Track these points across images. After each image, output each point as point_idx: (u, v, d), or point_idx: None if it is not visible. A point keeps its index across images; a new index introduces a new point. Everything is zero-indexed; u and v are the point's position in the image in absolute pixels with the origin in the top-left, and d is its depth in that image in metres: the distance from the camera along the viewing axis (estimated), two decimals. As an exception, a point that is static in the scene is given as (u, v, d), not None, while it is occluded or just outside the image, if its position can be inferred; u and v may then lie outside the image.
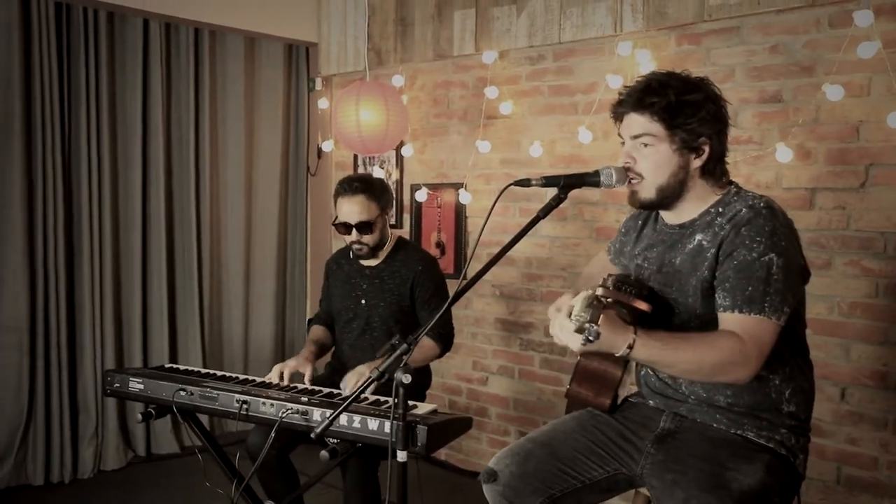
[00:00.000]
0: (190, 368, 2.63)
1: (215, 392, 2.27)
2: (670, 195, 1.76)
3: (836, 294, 2.62)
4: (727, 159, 1.80)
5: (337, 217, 2.72)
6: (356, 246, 2.71)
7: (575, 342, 1.51)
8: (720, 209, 1.75)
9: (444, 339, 2.73)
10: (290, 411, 2.14)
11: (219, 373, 2.56)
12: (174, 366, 2.67)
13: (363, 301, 2.81)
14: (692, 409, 1.82)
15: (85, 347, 3.59)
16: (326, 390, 2.36)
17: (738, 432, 1.76)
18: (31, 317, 3.43)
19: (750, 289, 1.62)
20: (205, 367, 3.72)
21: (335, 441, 2.08)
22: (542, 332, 3.44)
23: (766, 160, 2.73)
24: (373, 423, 2.03)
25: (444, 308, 1.70)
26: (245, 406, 2.21)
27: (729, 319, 1.65)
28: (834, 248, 2.62)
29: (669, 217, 1.85)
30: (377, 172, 4.05)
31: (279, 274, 4.33)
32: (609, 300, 1.65)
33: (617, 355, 1.58)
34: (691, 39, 2.94)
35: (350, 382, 2.44)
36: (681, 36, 2.96)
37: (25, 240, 3.40)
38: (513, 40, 3.41)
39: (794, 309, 1.68)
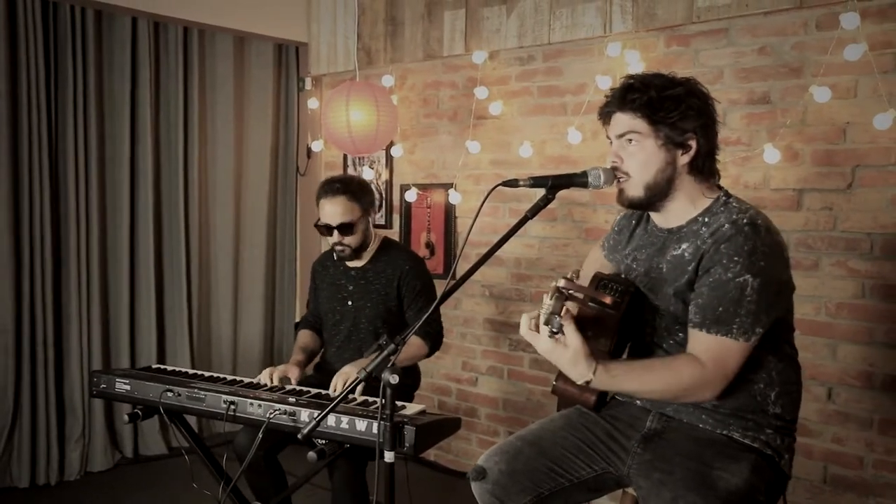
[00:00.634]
0: (177, 369, 2.62)
1: (202, 393, 2.26)
2: (658, 193, 1.75)
3: (822, 295, 2.64)
4: (718, 158, 1.80)
5: (319, 219, 2.72)
6: (338, 247, 2.71)
7: (540, 339, 1.57)
8: (706, 219, 1.74)
9: (433, 337, 2.73)
10: (277, 412, 2.13)
11: (206, 373, 2.54)
12: (161, 366, 2.65)
13: (350, 302, 2.80)
14: (678, 410, 1.82)
15: (72, 348, 3.56)
16: (314, 391, 2.35)
17: (724, 432, 1.76)
18: (16, 317, 3.40)
19: (720, 309, 1.63)
20: (193, 367, 3.70)
21: (323, 442, 2.08)
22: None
23: (754, 161, 2.75)
24: (361, 424, 2.02)
25: (431, 307, 1.70)
26: (232, 407, 2.20)
27: (695, 337, 1.68)
28: (821, 248, 2.64)
29: (659, 220, 1.85)
30: (367, 173, 4.05)
31: (268, 274, 4.31)
32: (571, 292, 1.66)
33: (579, 383, 1.62)
34: (680, 41, 2.95)
35: (337, 384, 2.44)
36: (670, 37, 2.97)
37: (11, 239, 3.37)
38: (502, 41, 3.41)
39: (775, 321, 1.68)
